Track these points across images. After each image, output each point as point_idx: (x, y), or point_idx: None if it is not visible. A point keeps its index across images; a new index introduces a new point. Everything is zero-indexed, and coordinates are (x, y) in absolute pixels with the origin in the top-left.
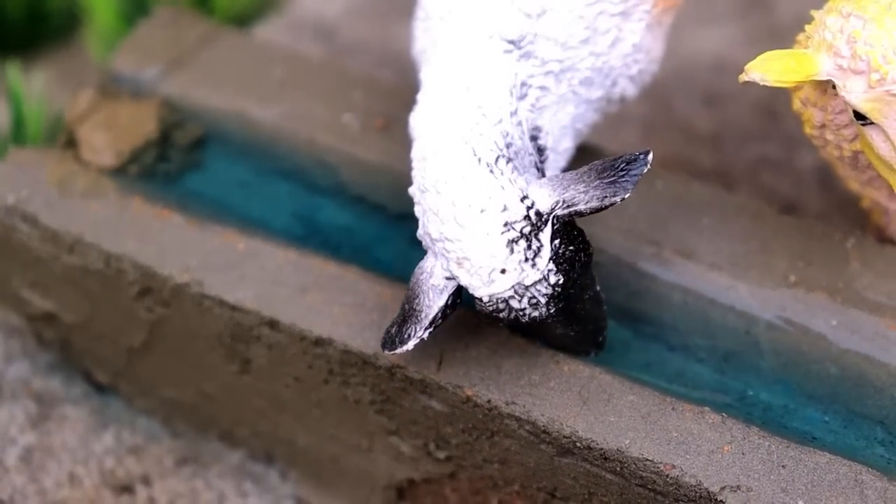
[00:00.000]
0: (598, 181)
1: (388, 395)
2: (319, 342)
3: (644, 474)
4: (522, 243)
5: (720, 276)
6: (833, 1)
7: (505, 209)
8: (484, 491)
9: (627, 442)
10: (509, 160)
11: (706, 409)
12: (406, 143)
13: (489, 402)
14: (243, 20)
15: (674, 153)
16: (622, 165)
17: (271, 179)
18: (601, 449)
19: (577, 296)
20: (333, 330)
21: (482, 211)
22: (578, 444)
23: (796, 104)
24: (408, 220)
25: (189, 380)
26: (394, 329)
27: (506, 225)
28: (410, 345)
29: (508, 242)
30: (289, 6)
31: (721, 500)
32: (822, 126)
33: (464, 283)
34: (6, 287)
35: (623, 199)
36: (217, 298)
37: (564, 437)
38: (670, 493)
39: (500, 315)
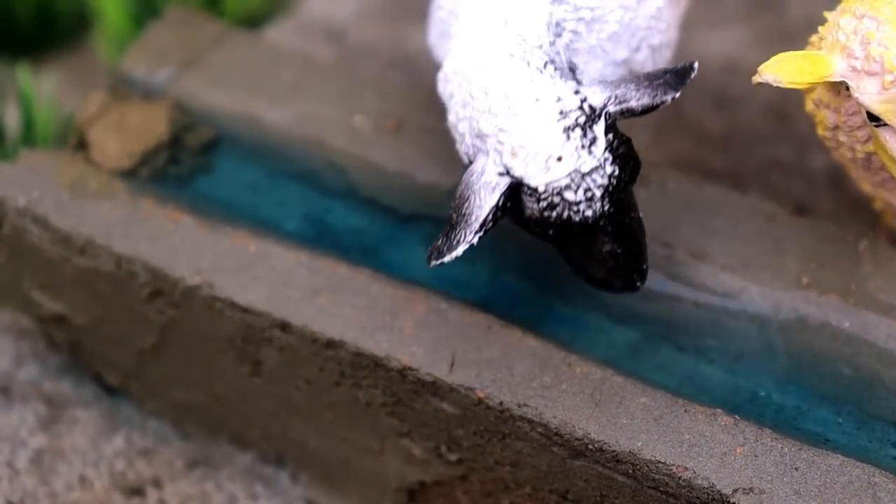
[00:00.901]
0: (648, 82)
1: (399, 398)
2: (331, 344)
3: (656, 476)
4: (578, 132)
5: (732, 277)
6: (846, 2)
7: (559, 99)
8: (495, 493)
9: (640, 444)
10: (556, 69)
11: (718, 411)
12: (417, 144)
13: (501, 404)
14: (253, 22)
15: (685, 155)
16: (671, 71)
17: (282, 181)
18: (613, 451)
19: (626, 208)
20: (345, 332)
21: (537, 100)
22: (591, 447)
23: (809, 106)
24: (419, 221)
25: (200, 382)
26: (440, 241)
27: (561, 113)
28: (460, 250)
29: (564, 129)
30: (298, 8)
31: (733, 503)
32: (835, 127)
33: (519, 173)
34: (17, 289)
35: (673, 99)
36: (228, 300)
37: (577, 439)
38: (683, 496)
39: (553, 215)
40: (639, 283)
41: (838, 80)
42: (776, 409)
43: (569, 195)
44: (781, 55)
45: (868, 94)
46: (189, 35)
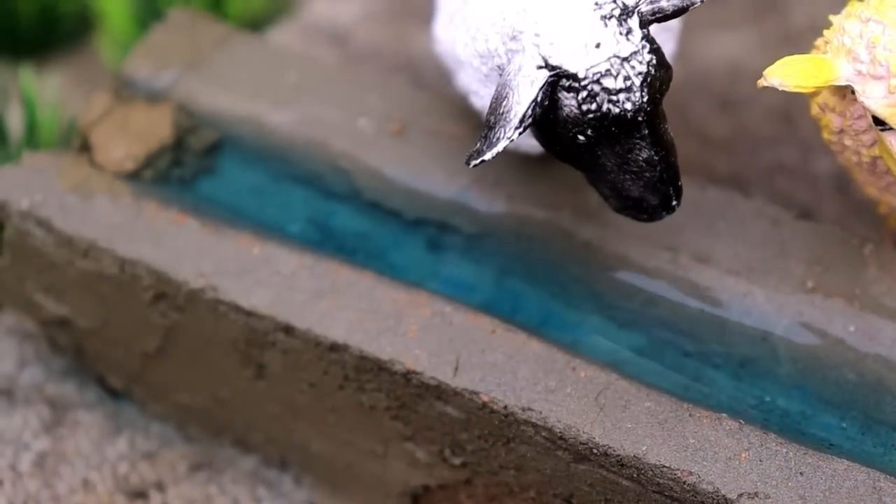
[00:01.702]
0: None
1: (403, 401)
2: (335, 348)
3: (661, 481)
4: (614, 21)
5: (737, 281)
6: (851, 6)
7: None
8: (500, 497)
9: (644, 448)
10: None
11: (723, 415)
12: (421, 147)
13: (505, 408)
14: (257, 24)
15: (689, 158)
16: None
17: (286, 184)
18: (618, 455)
19: (662, 114)
20: (349, 335)
21: None
22: (595, 451)
23: (814, 109)
24: (423, 225)
25: (203, 385)
26: (478, 143)
27: (596, 4)
28: (500, 146)
29: (601, 17)
30: (302, 10)
31: None
32: (841, 131)
33: (559, 61)
34: (20, 292)
35: (702, 2)
36: (232, 304)
37: (581, 443)
38: (687, 500)
39: (592, 107)
40: (675, 202)
41: (844, 83)
42: (781, 414)
43: (608, 82)
44: (787, 59)
45: (873, 97)
46: (192, 37)
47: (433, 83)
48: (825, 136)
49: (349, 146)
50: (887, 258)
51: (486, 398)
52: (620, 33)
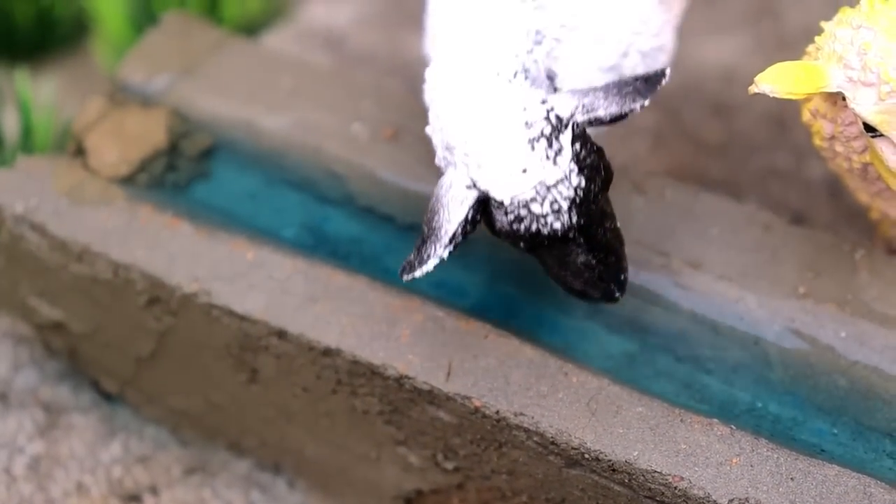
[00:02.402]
0: (617, 90)
1: (396, 406)
2: (328, 352)
3: (652, 486)
4: (543, 142)
5: (729, 286)
6: (843, 13)
7: (525, 109)
8: (492, 502)
9: (636, 454)
10: (527, 77)
11: (715, 420)
12: (415, 152)
13: (497, 413)
14: (252, 28)
15: (682, 163)
16: (641, 78)
17: (280, 189)
18: (609, 460)
19: (598, 219)
20: (342, 340)
21: (502, 111)
22: (587, 456)
23: (806, 116)
24: (417, 230)
25: (197, 389)
26: (412, 255)
27: (526, 124)
28: (430, 265)
29: (529, 140)
30: (297, 15)
31: None
32: (832, 138)
33: (485, 186)
34: (14, 296)
35: (642, 107)
36: (225, 308)
37: (573, 448)
38: None
39: (521, 227)
40: (618, 294)
41: (835, 90)
42: (772, 420)
43: (535, 207)
44: (778, 65)
45: (864, 104)
46: (187, 42)
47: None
48: (816, 142)
49: (343, 151)
50: (879, 264)
51: (478, 403)
52: (548, 157)
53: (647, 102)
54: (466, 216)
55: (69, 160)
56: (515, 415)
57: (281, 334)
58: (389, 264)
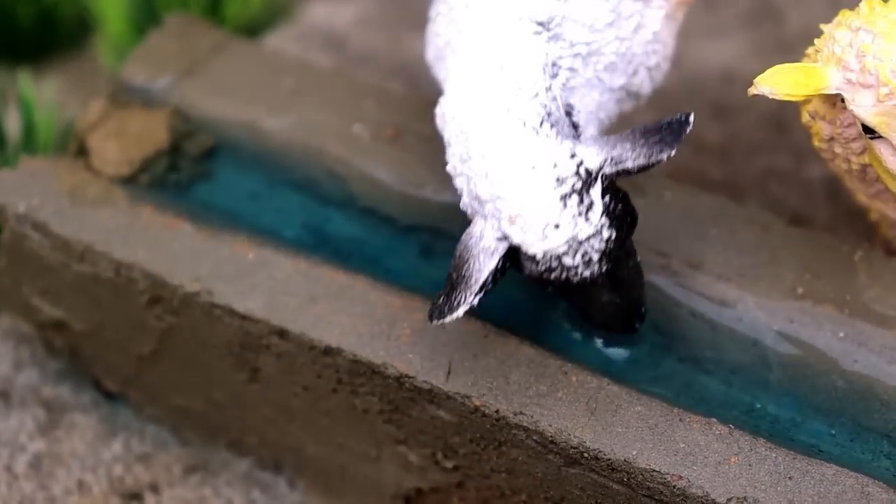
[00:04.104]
0: (644, 140)
1: (396, 405)
2: (328, 352)
3: (651, 485)
4: (574, 198)
5: (728, 287)
6: (842, 15)
7: (556, 165)
8: (491, 500)
9: (635, 453)
10: (553, 125)
11: (713, 420)
12: (416, 153)
13: (497, 412)
14: (254, 29)
15: (682, 164)
16: (666, 126)
17: (281, 190)
18: (608, 459)
19: (623, 260)
20: (342, 339)
21: (533, 167)
22: (586, 455)
23: (805, 117)
24: (417, 231)
25: (198, 388)
26: (441, 299)
27: (558, 180)
28: (461, 311)
29: (561, 197)
30: (299, 16)
31: None
32: (831, 139)
33: (517, 241)
34: (16, 295)
35: (669, 157)
36: (227, 307)
37: (572, 447)
38: None
39: (552, 276)
40: (637, 326)
41: (834, 92)
42: (771, 421)
43: (567, 260)
44: (777, 67)
45: (863, 106)
46: (189, 43)
47: (428, 89)
48: (816, 143)
49: (344, 152)
50: (877, 265)
51: (478, 402)
52: (580, 213)
53: (673, 153)
54: (497, 266)
55: (71, 160)
56: (515, 414)
57: (282, 333)
58: (390, 264)
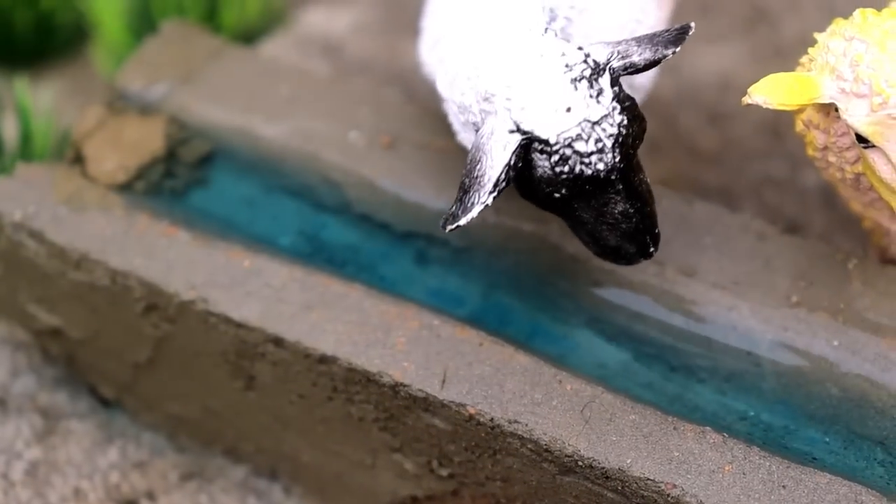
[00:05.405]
0: (649, 40)
1: (391, 413)
2: (324, 359)
3: (645, 493)
4: (584, 83)
5: (722, 295)
6: (836, 24)
7: (563, 54)
8: None
9: (629, 461)
10: (556, 34)
11: (707, 428)
12: (412, 160)
13: (492, 420)
14: (250, 36)
15: (678, 171)
16: (669, 30)
17: (277, 197)
18: (603, 468)
19: (636, 167)
20: (338, 347)
21: (541, 55)
22: (580, 463)
23: (799, 126)
24: (413, 238)
25: (194, 395)
26: (454, 206)
27: (566, 66)
28: (475, 212)
29: (571, 80)
30: (295, 23)
31: None
32: (825, 148)
33: (529, 126)
34: (13, 302)
35: (674, 53)
36: (222, 315)
37: (566, 455)
38: None
39: (565, 169)
40: (652, 249)
41: (827, 101)
42: (765, 429)
43: (580, 146)
44: (771, 77)
45: (856, 115)
46: (185, 50)
47: (424, 96)
48: (810, 152)
49: (340, 159)
50: (871, 273)
51: (472, 410)
52: (591, 96)
53: (678, 49)
54: (510, 161)
55: (68, 167)
56: (510, 422)
57: (277, 341)
58: (386, 272)
